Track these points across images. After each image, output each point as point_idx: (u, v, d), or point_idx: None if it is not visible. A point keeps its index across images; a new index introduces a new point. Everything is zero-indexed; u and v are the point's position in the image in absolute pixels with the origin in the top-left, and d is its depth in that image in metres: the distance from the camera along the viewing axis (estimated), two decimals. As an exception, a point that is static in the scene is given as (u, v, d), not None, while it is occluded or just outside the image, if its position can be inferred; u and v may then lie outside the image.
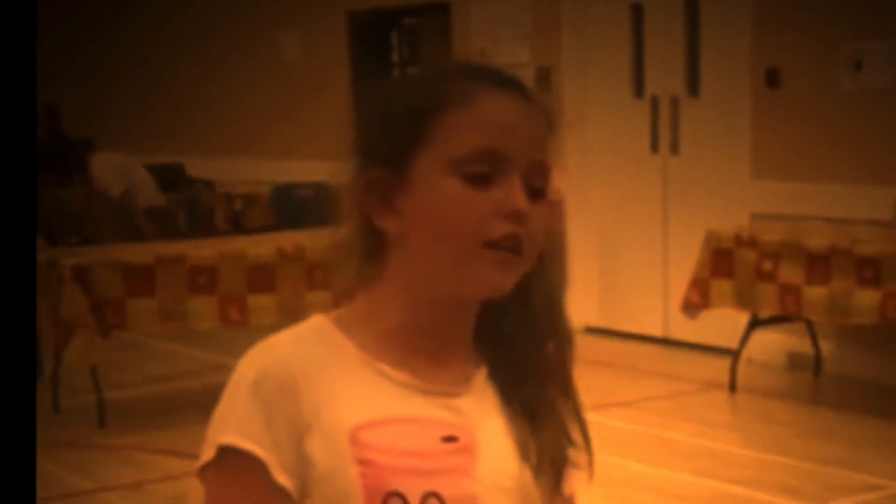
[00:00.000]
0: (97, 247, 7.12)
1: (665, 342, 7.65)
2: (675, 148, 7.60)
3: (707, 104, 7.43)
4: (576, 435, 1.41)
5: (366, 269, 1.37)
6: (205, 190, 10.44)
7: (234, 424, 1.29)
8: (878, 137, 6.57)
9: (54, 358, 6.07)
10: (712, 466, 5.23)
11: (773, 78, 6.96)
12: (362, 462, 1.28)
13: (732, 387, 6.46)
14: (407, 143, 1.31)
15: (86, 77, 12.29)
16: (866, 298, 5.73)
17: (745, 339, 6.49)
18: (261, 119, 10.42)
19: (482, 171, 1.30)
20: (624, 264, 7.93)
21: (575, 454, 1.41)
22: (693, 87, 7.51)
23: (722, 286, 6.35)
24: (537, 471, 1.37)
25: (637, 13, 7.77)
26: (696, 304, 6.46)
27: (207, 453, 1.30)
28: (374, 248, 1.35)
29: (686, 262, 6.75)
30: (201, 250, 6.22)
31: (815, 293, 5.94)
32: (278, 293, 6.12)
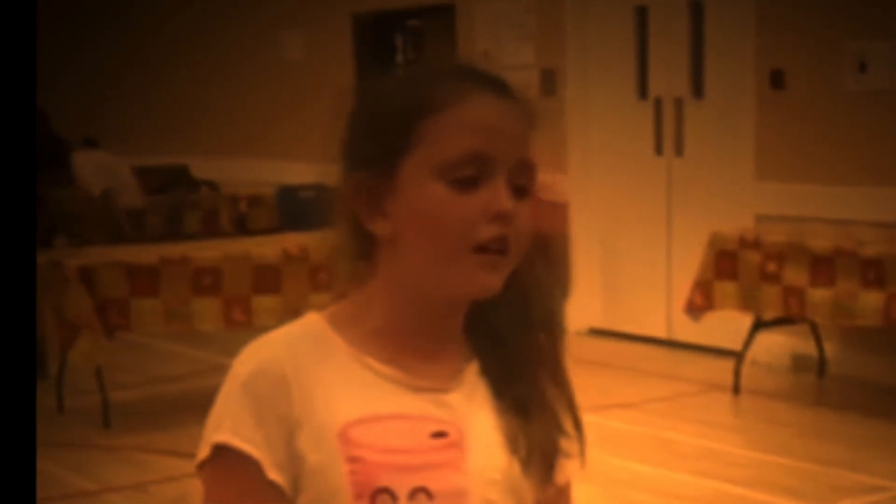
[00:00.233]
0: (102, 248, 7.12)
1: (668, 343, 7.64)
2: (678, 149, 7.60)
3: (711, 106, 7.42)
4: (568, 426, 1.42)
5: (358, 268, 1.38)
6: (209, 192, 10.45)
7: (228, 423, 1.31)
8: (882, 138, 6.56)
9: (60, 359, 6.08)
10: (713, 467, 5.23)
11: (777, 79, 6.95)
12: (351, 460, 1.30)
13: (736, 388, 6.45)
14: (394, 147, 1.33)
15: (86, 77, 12.30)
16: (870, 300, 5.72)
17: (748, 341, 6.48)
18: (263, 120, 10.43)
19: (470, 175, 1.31)
20: (627, 266, 7.92)
21: (568, 444, 1.42)
22: (697, 88, 7.50)
23: (726, 288, 6.34)
24: (526, 463, 1.38)
25: (641, 15, 7.77)
26: (699, 305, 6.45)
27: (203, 451, 1.33)
28: (365, 248, 1.37)
29: (690, 263, 6.74)
30: (205, 251, 6.23)
31: (819, 295, 5.93)
32: (283, 294, 6.13)
